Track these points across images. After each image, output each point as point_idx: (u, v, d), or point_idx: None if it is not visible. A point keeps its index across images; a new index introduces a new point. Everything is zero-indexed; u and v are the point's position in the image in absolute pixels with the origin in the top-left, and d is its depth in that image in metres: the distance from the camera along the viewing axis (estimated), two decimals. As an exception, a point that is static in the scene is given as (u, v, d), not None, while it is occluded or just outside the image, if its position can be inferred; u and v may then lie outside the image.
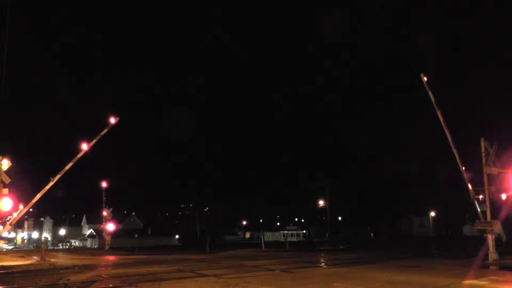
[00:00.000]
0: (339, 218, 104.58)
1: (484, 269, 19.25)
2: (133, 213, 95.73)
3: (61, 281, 16.95)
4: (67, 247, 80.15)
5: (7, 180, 17.82)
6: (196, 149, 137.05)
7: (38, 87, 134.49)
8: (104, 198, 51.13)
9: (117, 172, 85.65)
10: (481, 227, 21.75)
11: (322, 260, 27.02)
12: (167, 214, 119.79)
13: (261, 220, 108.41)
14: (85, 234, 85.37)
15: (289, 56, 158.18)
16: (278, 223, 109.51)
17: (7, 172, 18.00)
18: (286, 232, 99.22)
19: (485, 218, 21.50)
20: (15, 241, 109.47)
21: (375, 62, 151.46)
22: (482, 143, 21.57)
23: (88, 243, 79.23)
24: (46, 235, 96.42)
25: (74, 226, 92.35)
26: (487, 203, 21.36)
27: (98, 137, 22.68)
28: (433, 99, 23.17)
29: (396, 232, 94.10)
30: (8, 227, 21.55)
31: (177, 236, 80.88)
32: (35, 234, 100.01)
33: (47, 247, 63.62)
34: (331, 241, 68.55)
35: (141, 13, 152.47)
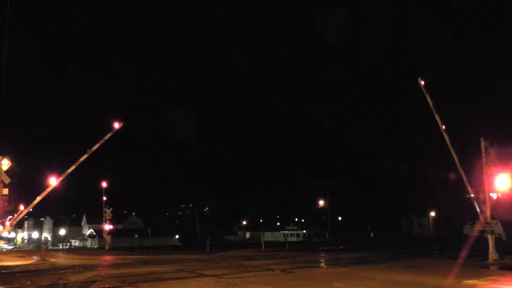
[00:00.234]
0: (339, 218, 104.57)
1: (484, 269, 19.25)
2: (133, 213, 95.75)
3: (61, 281, 16.96)
4: (67, 247, 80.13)
5: (7, 180, 17.82)
6: (196, 149, 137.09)
7: (38, 87, 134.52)
8: (104, 198, 51.16)
9: (117, 172, 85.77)
10: (481, 228, 21.74)
11: (322, 260, 27.02)
12: (167, 214, 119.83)
13: (261, 220, 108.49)
14: (85, 234, 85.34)
15: (289, 56, 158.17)
16: (278, 223, 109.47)
17: (7, 172, 18.00)
18: (286, 232, 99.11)
19: (485, 218, 21.51)
20: (15, 241, 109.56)
21: (375, 62, 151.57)
22: (482, 143, 21.55)
23: (88, 243, 79.22)
24: (46, 235, 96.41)
25: (74, 226, 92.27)
26: (487, 203, 21.35)
27: (102, 141, 22.65)
28: (431, 103, 23.18)
29: (396, 232, 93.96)
30: (8, 227, 21.55)
31: (177, 236, 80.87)
32: (35, 234, 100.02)
33: (47, 247, 63.71)
34: (331, 241, 68.49)
35: (142, 13, 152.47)
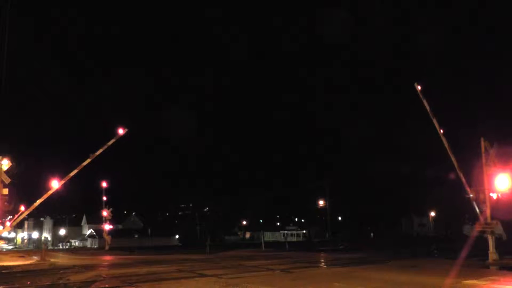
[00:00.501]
0: (339, 218, 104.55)
1: (484, 269, 19.25)
2: (133, 213, 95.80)
3: (61, 281, 16.95)
4: (67, 247, 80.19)
5: (7, 180, 17.84)
6: (196, 149, 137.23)
7: (38, 86, 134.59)
8: (104, 198, 51.11)
9: (117, 172, 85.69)
10: (481, 228, 21.74)
11: (322, 260, 27.00)
12: (167, 214, 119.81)
13: (261, 220, 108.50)
14: (85, 234, 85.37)
15: (289, 56, 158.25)
16: (278, 223, 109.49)
17: (7, 172, 18.00)
18: (286, 232, 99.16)
19: (485, 218, 21.51)
20: (15, 241, 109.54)
21: (375, 62, 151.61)
22: (482, 143, 21.56)
23: (88, 243, 79.23)
24: (46, 235, 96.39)
25: (74, 226, 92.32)
26: (487, 203, 21.36)
27: (105, 146, 22.74)
28: (428, 108, 23.21)
29: (396, 232, 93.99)
30: (8, 227, 21.57)
31: (177, 236, 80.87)
32: (35, 234, 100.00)
33: (47, 247, 63.63)
34: (331, 241, 68.43)
35: (142, 13, 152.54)
